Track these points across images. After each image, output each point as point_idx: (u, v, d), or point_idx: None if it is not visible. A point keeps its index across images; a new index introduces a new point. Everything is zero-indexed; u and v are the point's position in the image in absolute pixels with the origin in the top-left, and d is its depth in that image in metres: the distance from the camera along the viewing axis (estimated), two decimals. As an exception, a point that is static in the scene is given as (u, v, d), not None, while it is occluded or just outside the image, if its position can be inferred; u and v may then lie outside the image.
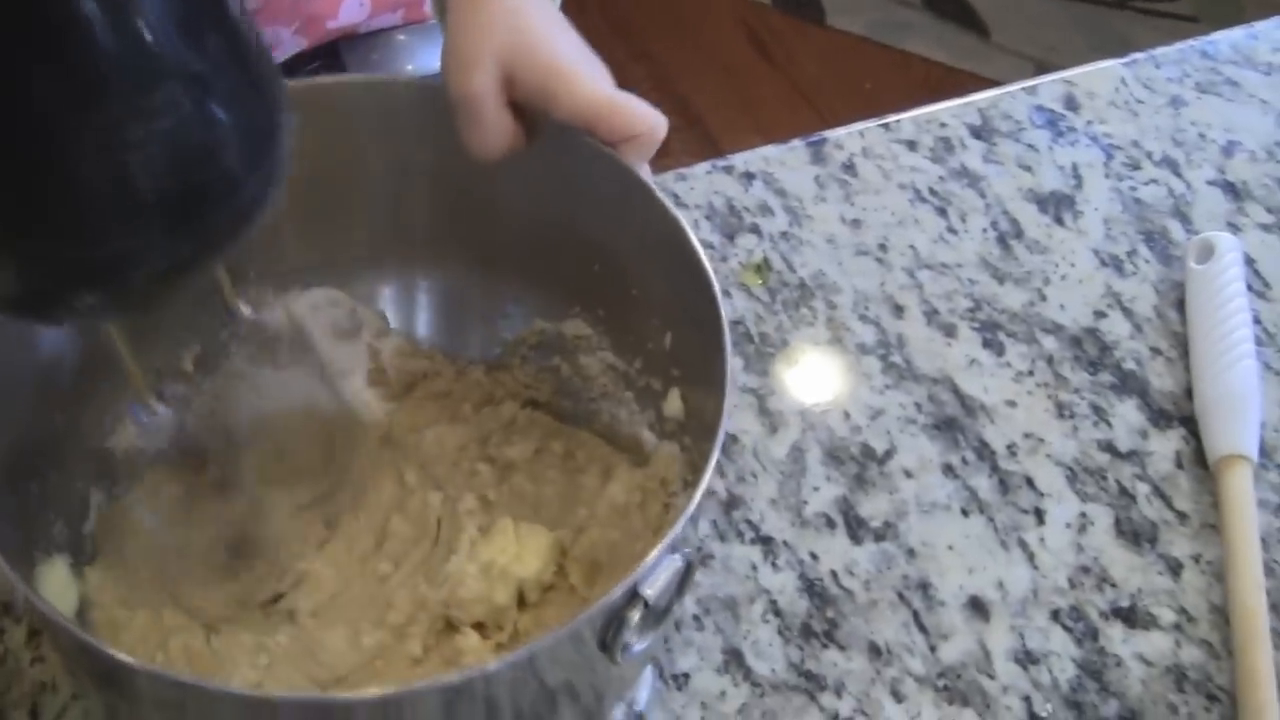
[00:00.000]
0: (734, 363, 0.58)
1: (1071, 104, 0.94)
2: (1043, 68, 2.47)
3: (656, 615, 0.54)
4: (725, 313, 0.59)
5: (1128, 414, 0.79)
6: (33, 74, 0.42)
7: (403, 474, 0.71)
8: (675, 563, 0.54)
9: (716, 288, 0.59)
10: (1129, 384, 0.80)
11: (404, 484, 0.71)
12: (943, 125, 0.92)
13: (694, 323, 0.60)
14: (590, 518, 0.69)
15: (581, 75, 0.65)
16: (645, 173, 0.68)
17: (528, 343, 0.74)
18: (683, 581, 0.55)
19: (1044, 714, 0.68)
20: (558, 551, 0.67)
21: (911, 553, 0.73)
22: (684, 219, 0.62)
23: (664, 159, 0.88)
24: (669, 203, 0.63)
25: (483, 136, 0.65)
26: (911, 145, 0.91)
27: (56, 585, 0.65)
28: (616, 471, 0.69)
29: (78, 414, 0.67)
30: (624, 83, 0.71)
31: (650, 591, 0.52)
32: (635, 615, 0.52)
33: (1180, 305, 0.83)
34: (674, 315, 0.65)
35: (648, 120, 0.65)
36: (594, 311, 0.71)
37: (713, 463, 0.56)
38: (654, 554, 0.53)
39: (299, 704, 0.54)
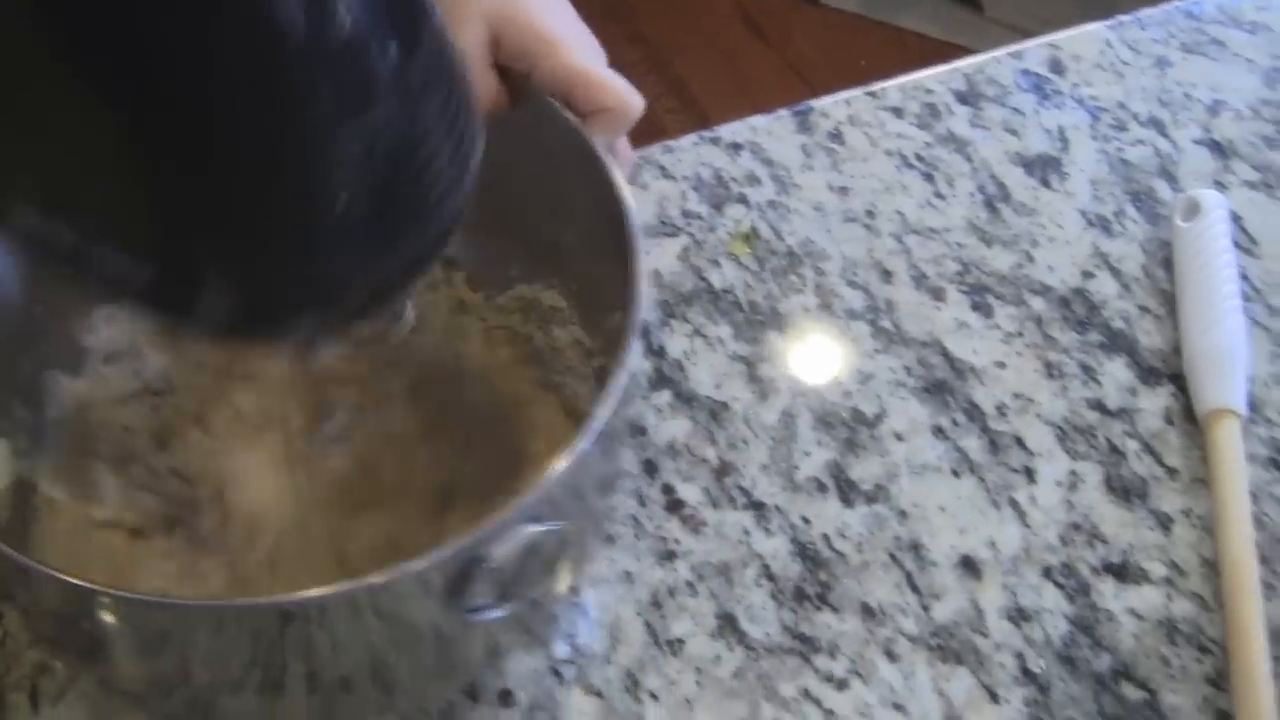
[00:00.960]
0: (636, 350, 0.56)
1: (1057, 68, 0.94)
2: (1038, 40, 2.47)
3: (505, 583, 0.53)
4: (640, 299, 0.58)
5: (1116, 372, 0.79)
6: (262, 96, 0.41)
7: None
8: (525, 533, 0.52)
9: (641, 280, 0.59)
10: (1118, 342, 0.80)
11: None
12: (929, 92, 0.92)
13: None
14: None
15: (565, 44, 0.66)
16: (622, 149, 0.69)
17: (508, 309, 0.74)
18: (547, 558, 0.55)
19: (1037, 670, 0.68)
20: None
21: (903, 514, 0.73)
22: (632, 198, 0.62)
23: (660, 140, 0.89)
24: (621, 183, 0.62)
25: None
26: (898, 112, 0.91)
27: None
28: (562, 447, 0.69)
29: (60, 307, 0.69)
30: (618, 64, 0.71)
31: (495, 553, 0.51)
32: (478, 574, 0.52)
33: (1168, 264, 0.83)
34: (620, 296, 0.65)
35: (620, 95, 0.65)
36: (568, 285, 0.71)
37: (591, 428, 0.54)
38: (499, 516, 0.51)
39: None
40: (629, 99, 0.65)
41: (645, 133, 0.71)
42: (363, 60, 0.43)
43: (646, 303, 0.58)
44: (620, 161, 0.69)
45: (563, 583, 0.60)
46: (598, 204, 0.62)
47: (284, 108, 0.41)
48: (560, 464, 0.53)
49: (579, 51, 0.66)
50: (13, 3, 0.37)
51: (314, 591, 0.50)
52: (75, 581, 0.50)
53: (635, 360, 0.59)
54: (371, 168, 0.44)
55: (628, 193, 0.62)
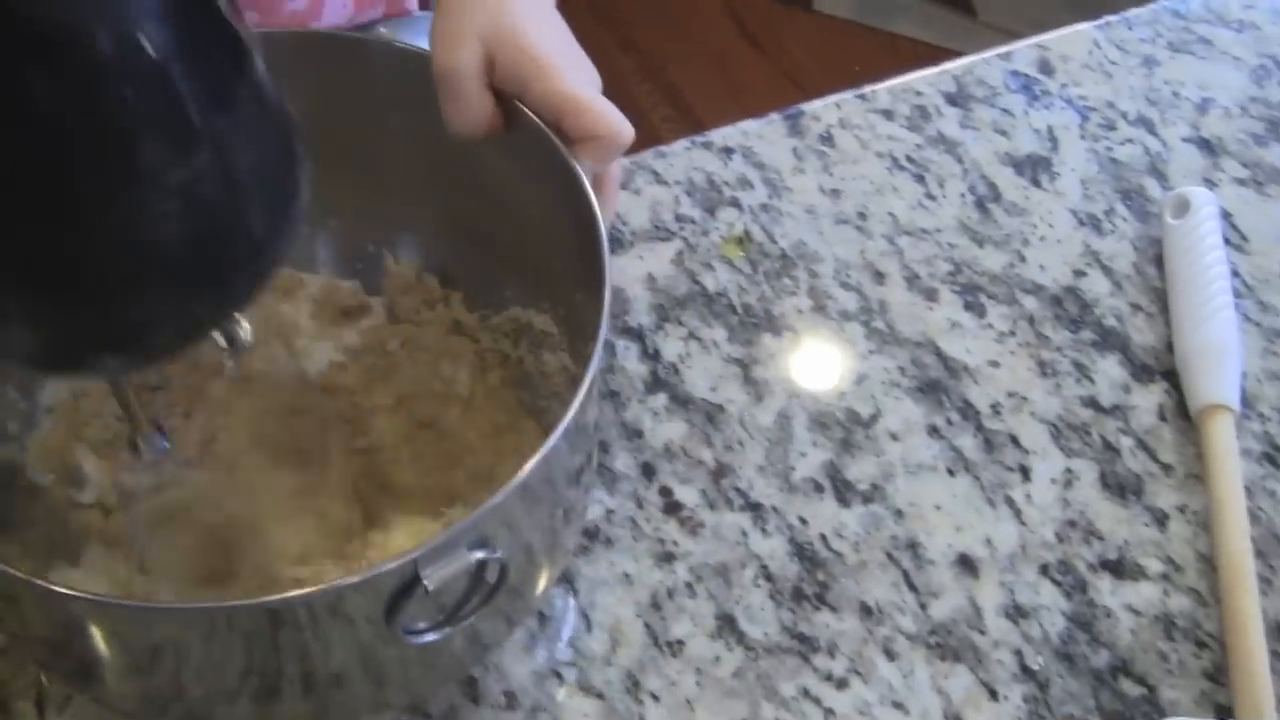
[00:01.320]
0: (589, 390, 0.57)
1: (1046, 68, 0.95)
2: (1029, 43, 2.48)
3: (442, 608, 0.54)
4: (603, 332, 0.58)
5: (1109, 369, 0.79)
6: (66, 141, 0.41)
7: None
8: (465, 558, 0.52)
9: (605, 308, 0.59)
10: (1110, 340, 0.81)
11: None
12: (918, 94, 0.93)
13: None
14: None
15: (557, 68, 0.66)
16: (611, 176, 0.69)
17: (502, 329, 0.75)
18: (483, 585, 0.55)
19: (1036, 667, 0.68)
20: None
21: (899, 513, 0.74)
22: (603, 224, 0.62)
23: (655, 148, 0.89)
24: (596, 210, 0.62)
25: (461, 113, 0.67)
26: (888, 114, 0.91)
27: None
28: None
29: None
30: (612, 73, 0.72)
31: (429, 575, 0.51)
32: (414, 596, 0.52)
33: (1159, 261, 0.84)
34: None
35: (610, 123, 0.65)
36: (558, 310, 0.72)
37: (534, 460, 0.54)
38: (438, 538, 0.51)
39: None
40: (619, 128, 0.65)
41: (640, 140, 0.71)
42: (175, 113, 0.42)
43: (602, 344, 0.57)
44: (606, 190, 0.69)
45: (504, 610, 0.61)
46: (581, 231, 0.62)
47: (89, 159, 0.41)
48: (499, 494, 0.53)
49: (572, 77, 0.66)
50: None
51: (244, 601, 0.53)
52: (61, 590, 0.51)
53: (590, 402, 0.58)
54: (180, 220, 0.43)
55: (602, 222, 0.61)
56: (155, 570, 0.67)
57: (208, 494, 0.69)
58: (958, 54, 2.32)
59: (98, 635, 0.55)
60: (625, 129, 0.66)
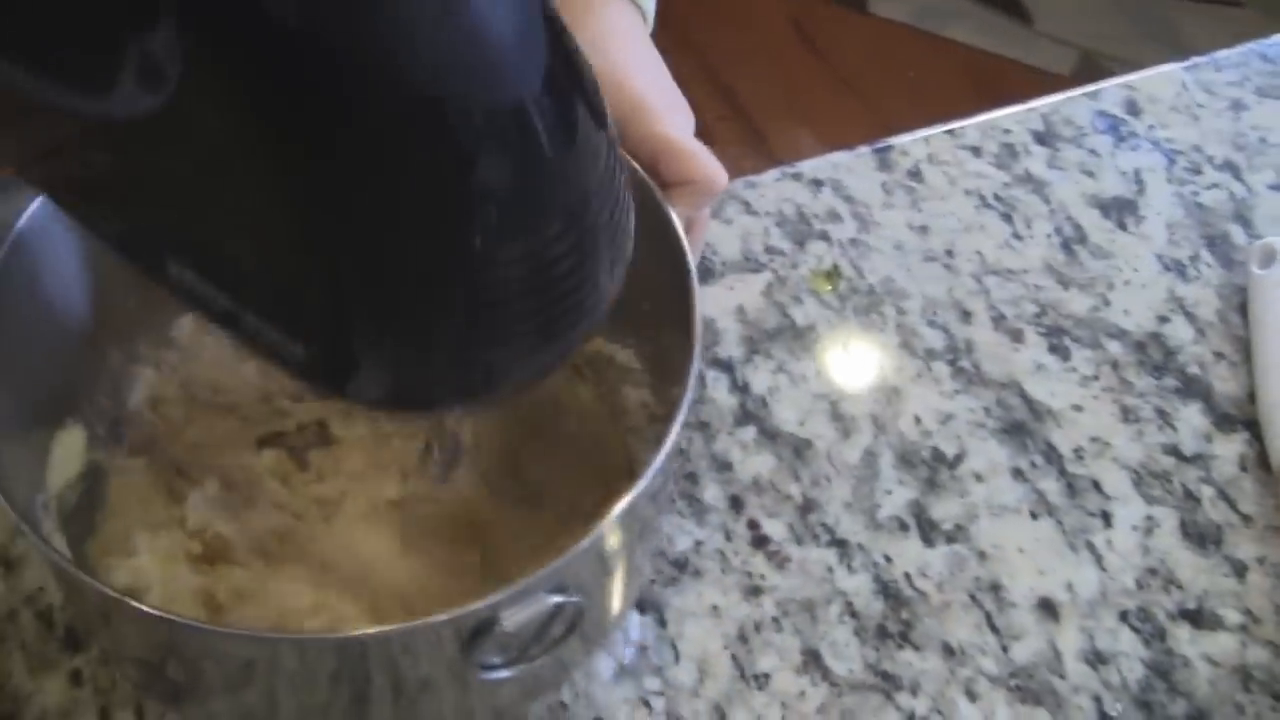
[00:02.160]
0: (671, 444, 0.57)
1: (1133, 109, 0.95)
2: (1087, 56, 2.47)
3: (519, 646, 0.55)
4: (695, 369, 0.59)
5: (1192, 418, 0.80)
6: (437, 207, 0.42)
7: None
8: (543, 602, 0.54)
9: (696, 359, 0.60)
10: (1193, 388, 0.82)
11: None
12: (1006, 131, 0.93)
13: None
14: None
15: (657, 110, 0.66)
16: (701, 221, 0.69)
17: (582, 355, 0.76)
18: (560, 626, 0.56)
19: (1114, 713, 0.70)
20: None
21: (982, 555, 0.75)
22: (694, 268, 0.62)
23: (710, 147, 0.90)
24: (690, 260, 0.62)
25: None
26: (976, 151, 0.92)
27: (63, 452, 0.69)
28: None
29: (153, 300, 0.69)
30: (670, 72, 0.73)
31: (509, 620, 0.53)
32: (491, 635, 0.53)
33: (1243, 309, 0.85)
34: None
35: (706, 169, 0.65)
36: (643, 348, 0.72)
37: (616, 511, 0.55)
38: (518, 584, 0.53)
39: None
40: (714, 174, 0.66)
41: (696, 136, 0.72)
42: (543, 186, 0.44)
43: (691, 391, 0.58)
44: (696, 233, 0.70)
45: (575, 651, 0.62)
46: (673, 273, 0.63)
47: (455, 223, 0.43)
48: (584, 541, 0.54)
49: (670, 120, 0.67)
50: (227, 99, 0.39)
51: (323, 635, 0.55)
52: (155, 613, 0.53)
53: (669, 454, 0.58)
54: (533, 281, 0.45)
55: (693, 267, 0.62)
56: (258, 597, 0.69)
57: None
58: (1013, 62, 2.31)
59: (185, 657, 0.58)
60: (720, 176, 0.66)
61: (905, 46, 2.57)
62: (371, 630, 0.54)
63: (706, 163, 0.66)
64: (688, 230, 0.67)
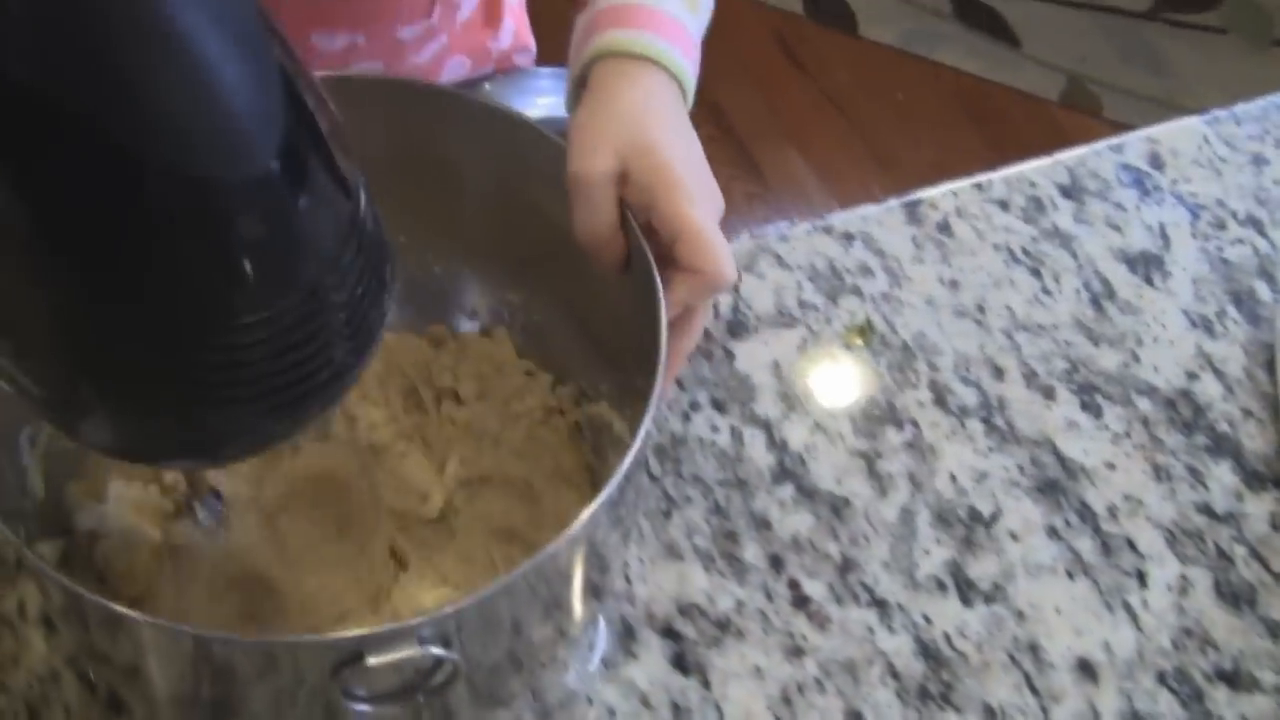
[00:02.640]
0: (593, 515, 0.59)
1: (1156, 162, 0.96)
2: (1075, 79, 2.49)
3: (391, 687, 0.57)
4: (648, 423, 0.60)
5: (1223, 476, 0.81)
6: (185, 274, 0.44)
7: None
8: (413, 650, 0.55)
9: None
10: (1223, 446, 0.82)
11: None
12: (1033, 185, 0.94)
13: None
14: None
15: (689, 192, 0.67)
16: (698, 317, 0.70)
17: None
18: (439, 678, 0.58)
19: (1154, 775, 0.70)
20: None
21: (1020, 615, 0.76)
22: (664, 358, 0.63)
23: (778, 229, 0.90)
24: (663, 350, 0.63)
25: (591, 220, 0.68)
26: (1003, 205, 0.93)
27: None
28: None
29: None
30: None
31: (374, 659, 0.54)
32: (357, 668, 0.55)
33: (1270, 366, 0.86)
34: None
35: (719, 264, 0.66)
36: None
37: (514, 574, 0.57)
38: (390, 625, 0.55)
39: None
40: (725, 271, 0.66)
41: None
42: (275, 261, 0.45)
43: (622, 476, 0.59)
44: (691, 324, 0.70)
45: (465, 705, 0.64)
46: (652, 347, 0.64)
47: (180, 292, 0.44)
48: (469, 599, 0.56)
49: (700, 205, 0.67)
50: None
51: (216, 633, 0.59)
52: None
53: (598, 526, 0.62)
54: (258, 352, 0.46)
55: (663, 358, 0.63)
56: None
57: (249, 546, 0.72)
58: (1001, 85, 2.31)
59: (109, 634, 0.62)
60: (730, 276, 0.67)
61: (894, 69, 2.58)
62: (240, 638, 0.60)
63: (721, 258, 0.66)
64: (686, 318, 0.68)
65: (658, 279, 0.64)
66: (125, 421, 0.49)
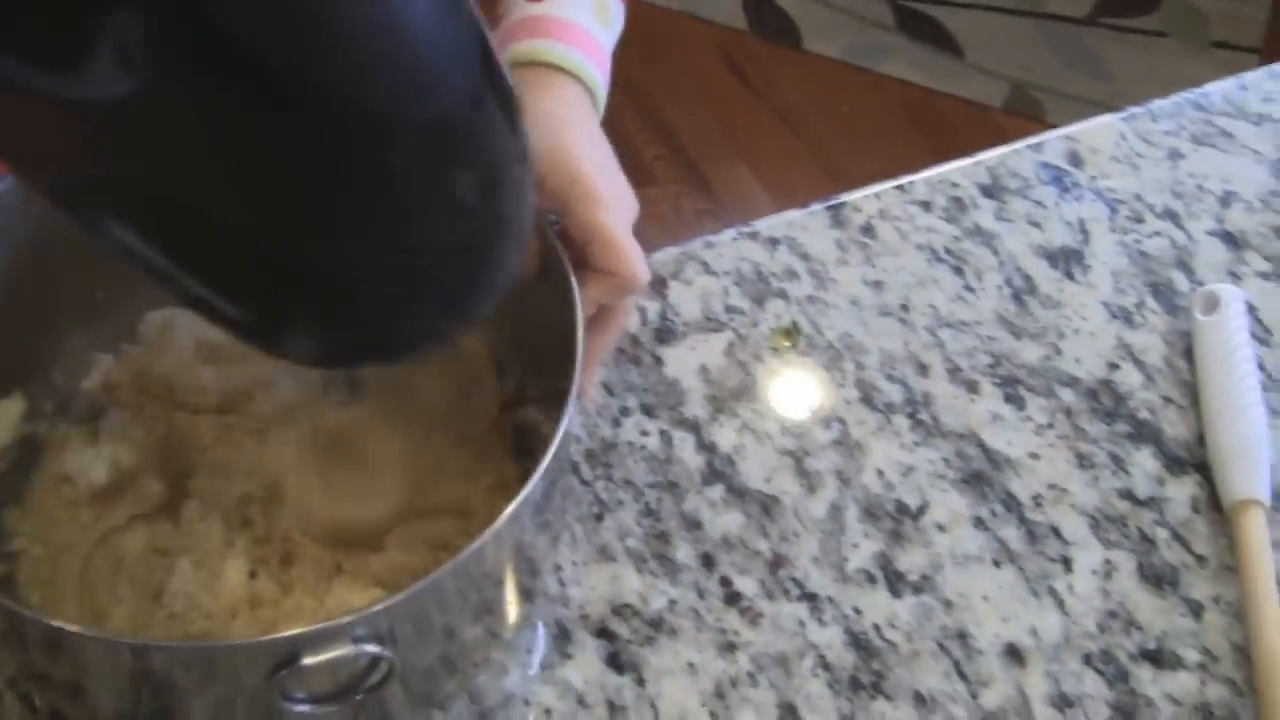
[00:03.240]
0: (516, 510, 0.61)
1: (1075, 160, 0.98)
2: (1018, 87, 2.52)
3: (328, 687, 0.58)
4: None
5: (1144, 462, 0.83)
6: (380, 208, 0.48)
7: None
8: (347, 649, 0.56)
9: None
10: (1144, 433, 0.84)
11: None
12: (954, 185, 0.96)
13: None
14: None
15: (603, 199, 0.69)
16: (617, 316, 0.73)
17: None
18: (375, 677, 0.59)
19: (1082, 755, 0.72)
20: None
21: (949, 604, 0.77)
22: (580, 361, 0.66)
23: (647, 188, 0.92)
24: (579, 351, 0.66)
25: None
26: (926, 206, 0.95)
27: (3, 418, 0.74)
28: None
29: (122, 294, 0.76)
30: (606, 111, 0.76)
31: (309, 659, 0.56)
32: (293, 670, 0.56)
33: (1188, 354, 0.87)
34: None
35: (631, 267, 0.69)
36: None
37: (446, 567, 0.59)
38: (323, 624, 0.56)
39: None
40: (637, 273, 0.69)
41: (633, 180, 0.75)
42: (461, 186, 0.50)
43: (542, 472, 0.62)
44: (612, 324, 0.73)
45: (400, 706, 0.65)
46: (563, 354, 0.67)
47: (384, 217, 0.49)
48: (399, 595, 0.57)
49: (613, 209, 0.70)
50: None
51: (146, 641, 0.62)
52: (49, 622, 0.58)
53: (518, 525, 0.63)
54: (443, 268, 0.52)
55: (580, 361, 0.66)
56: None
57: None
58: (946, 95, 2.33)
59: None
60: (643, 277, 0.70)
61: (839, 81, 2.61)
62: (176, 644, 0.62)
63: (633, 260, 0.69)
64: (604, 316, 0.71)
65: (574, 281, 0.66)
66: (325, 333, 0.54)
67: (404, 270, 0.51)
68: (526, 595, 0.70)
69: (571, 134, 0.71)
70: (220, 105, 0.44)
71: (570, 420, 0.63)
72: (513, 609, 0.69)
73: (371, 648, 0.57)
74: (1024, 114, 2.50)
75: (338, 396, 0.75)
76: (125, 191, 0.48)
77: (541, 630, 0.75)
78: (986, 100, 2.55)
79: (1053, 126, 1.00)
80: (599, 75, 0.75)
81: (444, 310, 0.55)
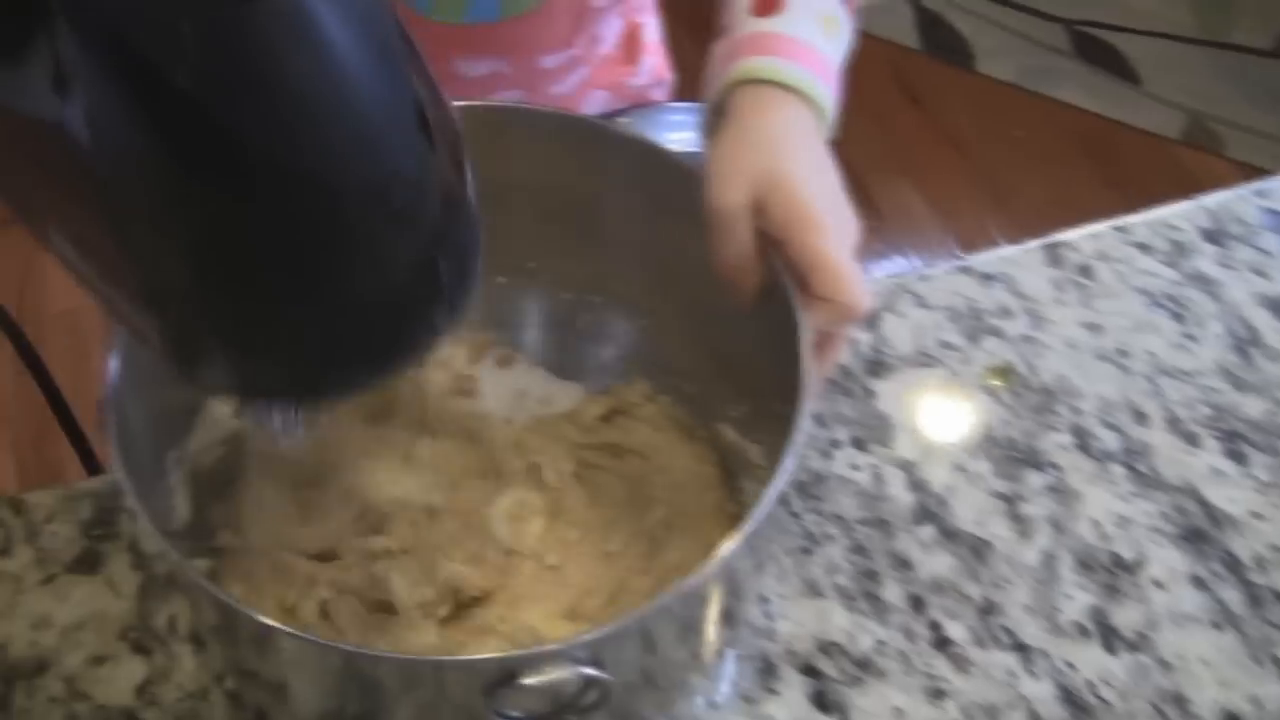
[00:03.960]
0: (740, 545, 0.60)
1: (1301, 207, 0.95)
2: (1196, 118, 2.46)
3: (543, 706, 0.57)
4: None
5: (1372, 530, 0.80)
6: (313, 256, 0.48)
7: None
8: (568, 672, 0.56)
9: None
10: (1373, 498, 0.81)
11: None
12: (1175, 228, 0.94)
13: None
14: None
15: (825, 225, 0.67)
16: (835, 342, 0.70)
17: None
18: (591, 697, 0.58)
19: (1303, 833, 0.69)
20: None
21: (1165, 665, 0.75)
22: (807, 383, 0.64)
23: (918, 270, 0.90)
24: (808, 379, 0.64)
25: (729, 252, 0.68)
26: (1145, 248, 0.92)
27: (212, 415, 0.74)
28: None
29: None
30: None
31: (528, 679, 0.55)
32: (510, 688, 0.55)
33: None
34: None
35: (853, 295, 0.66)
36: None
37: (666, 597, 0.58)
38: (550, 646, 0.56)
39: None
40: (858, 300, 0.66)
41: None
42: (402, 239, 0.49)
43: (773, 500, 0.60)
44: (829, 350, 0.71)
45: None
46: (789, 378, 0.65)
47: (317, 264, 0.48)
48: (625, 620, 0.57)
49: (834, 235, 0.67)
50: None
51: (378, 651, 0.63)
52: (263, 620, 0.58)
53: (744, 554, 0.62)
54: (378, 317, 0.51)
55: (806, 382, 0.64)
56: None
57: None
58: (1121, 124, 2.27)
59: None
60: (864, 304, 0.67)
61: (1011, 105, 2.56)
62: (395, 655, 0.63)
63: (855, 288, 0.66)
64: (823, 343, 0.69)
65: (798, 309, 0.65)
66: (247, 372, 0.53)
67: (330, 324, 0.51)
68: (731, 623, 0.69)
69: (794, 159, 0.70)
70: (151, 144, 0.44)
71: (796, 448, 0.61)
72: (719, 637, 0.68)
73: (590, 671, 0.57)
74: (1202, 147, 2.44)
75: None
76: (69, 215, 0.48)
77: (732, 659, 0.74)
78: (1163, 131, 2.49)
79: (1233, 161, 0.97)
80: (827, 92, 0.73)
81: (366, 365, 0.54)
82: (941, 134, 2.52)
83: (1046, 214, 2.36)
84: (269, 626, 0.59)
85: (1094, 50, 2.60)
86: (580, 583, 0.74)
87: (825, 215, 0.68)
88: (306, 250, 0.47)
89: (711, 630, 0.67)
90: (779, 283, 0.67)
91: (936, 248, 2.28)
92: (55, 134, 0.44)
